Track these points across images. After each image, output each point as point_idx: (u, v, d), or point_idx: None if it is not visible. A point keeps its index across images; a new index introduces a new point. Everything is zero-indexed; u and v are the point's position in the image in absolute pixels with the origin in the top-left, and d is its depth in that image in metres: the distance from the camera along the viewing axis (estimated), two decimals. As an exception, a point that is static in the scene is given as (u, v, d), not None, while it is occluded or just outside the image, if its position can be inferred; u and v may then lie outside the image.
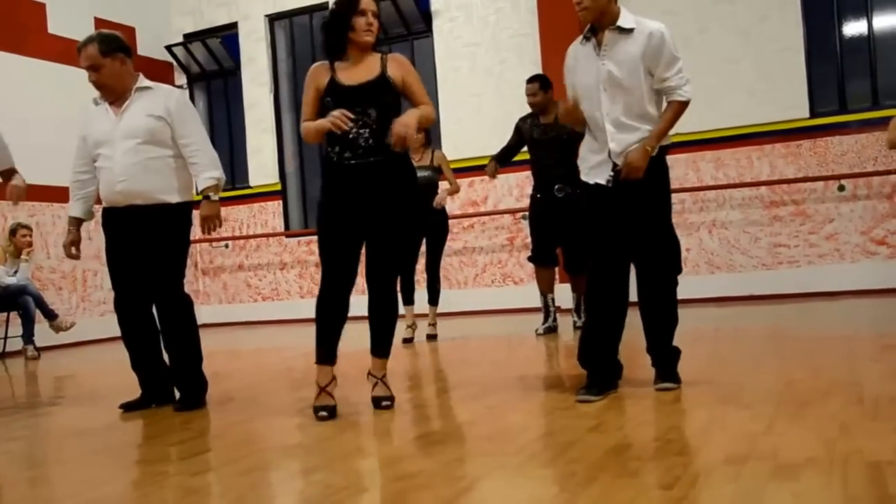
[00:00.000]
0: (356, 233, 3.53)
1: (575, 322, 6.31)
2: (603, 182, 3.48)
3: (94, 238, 9.34)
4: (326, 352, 3.60)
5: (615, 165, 3.45)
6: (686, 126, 8.01)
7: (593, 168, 3.55)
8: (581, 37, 3.56)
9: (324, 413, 3.47)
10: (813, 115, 7.74)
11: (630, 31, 3.42)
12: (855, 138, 7.57)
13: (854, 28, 7.88)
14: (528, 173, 6.34)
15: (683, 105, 3.49)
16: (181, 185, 4.06)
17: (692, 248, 8.07)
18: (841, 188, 7.55)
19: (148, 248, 3.98)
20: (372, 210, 3.50)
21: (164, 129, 3.94)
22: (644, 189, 3.44)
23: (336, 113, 3.37)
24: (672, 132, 3.52)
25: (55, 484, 2.84)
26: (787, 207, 7.81)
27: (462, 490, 2.29)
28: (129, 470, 2.96)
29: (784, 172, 7.79)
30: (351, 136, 3.45)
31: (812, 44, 7.81)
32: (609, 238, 3.49)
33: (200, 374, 4.12)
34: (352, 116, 3.39)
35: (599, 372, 3.54)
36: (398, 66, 3.58)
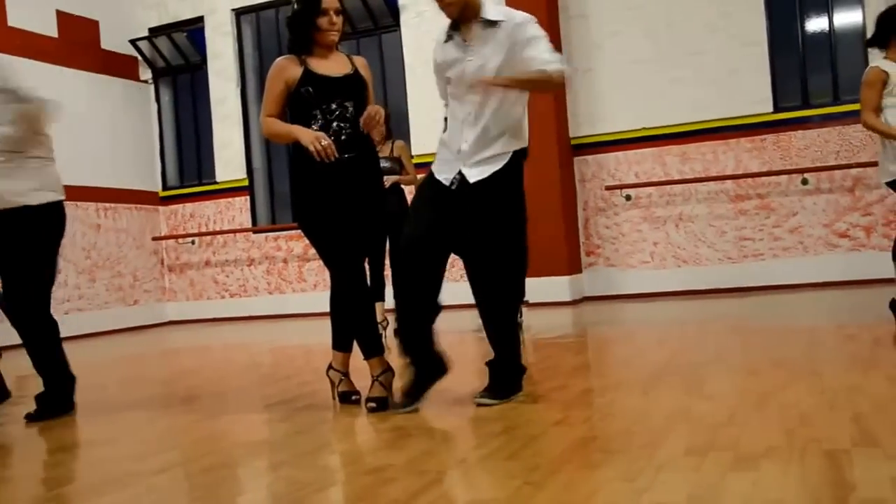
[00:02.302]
0: (350, 224, 3.47)
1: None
2: (446, 183, 3.32)
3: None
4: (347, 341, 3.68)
5: (460, 171, 3.31)
6: (652, 120, 8.22)
7: (444, 163, 3.38)
8: (444, 35, 3.41)
9: (355, 397, 3.59)
10: (777, 109, 7.85)
11: (497, 23, 3.26)
12: (817, 132, 7.69)
13: (816, 24, 7.99)
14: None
15: (552, 77, 3.17)
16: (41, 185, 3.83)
17: (659, 241, 8.15)
18: (804, 182, 7.66)
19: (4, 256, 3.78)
20: (351, 205, 3.46)
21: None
22: (493, 199, 3.29)
23: (325, 143, 3.30)
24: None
25: (14, 483, 2.80)
26: (752, 201, 7.91)
27: (428, 483, 2.30)
28: (92, 469, 2.92)
29: (749, 166, 7.89)
30: (332, 131, 3.41)
31: (775, 39, 7.91)
32: (430, 233, 3.29)
33: (58, 389, 3.91)
34: (334, 153, 3.33)
35: (419, 365, 3.38)
36: (365, 69, 3.59)
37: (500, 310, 3.42)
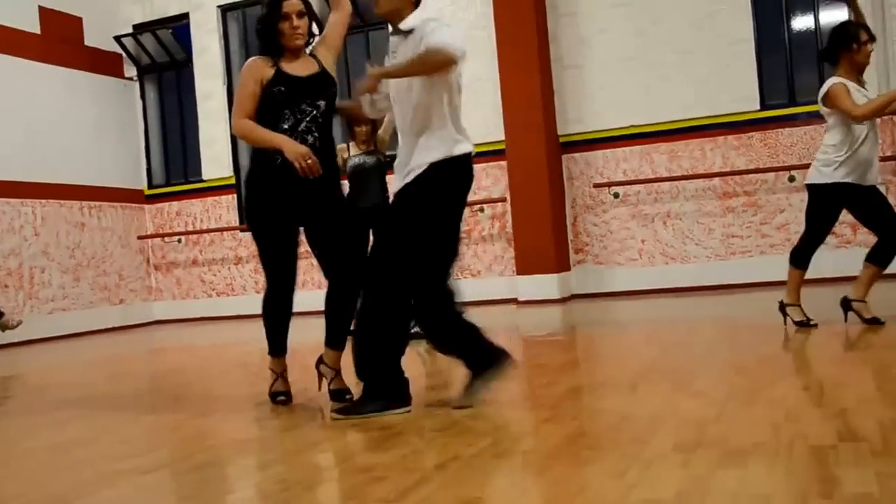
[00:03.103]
0: (296, 235, 3.58)
1: None
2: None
3: (42, 234, 9.20)
4: (280, 345, 3.69)
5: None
6: (640, 118, 8.24)
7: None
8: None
9: (282, 398, 3.56)
10: (764, 107, 7.88)
11: (411, 31, 3.18)
12: (804, 130, 7.72)
13: (802, 22, 8.03)
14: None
15: (421, 56, 3.03)
16: None
17: (647, 239, 8.17)
18: (791, 179, 7.69)
19: None
20: (315, 210, 3.49)
21: None
22: (393, 211, 3.25)
23: (311, 161, 3.29)
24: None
25: (1, 485, 2.78)
26: (740, 198, 7.94)
27: (417, 482, 2.30)
28: (78, 469, 2.90)
29: (736, 164, 7.91)
30: (300, 130, 3.44)
31: (762, 36, 7.94)
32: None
33: None
34: (319, 170, 3.34)
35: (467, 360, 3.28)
36: (323, 48, 3.61)
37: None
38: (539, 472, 2.34)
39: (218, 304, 9.96)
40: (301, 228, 3.58)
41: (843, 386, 3.07)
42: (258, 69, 3.47)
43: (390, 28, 3.32)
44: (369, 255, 3.33)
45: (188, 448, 3.03)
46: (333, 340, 3.63)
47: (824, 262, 7.62)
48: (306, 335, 4.16)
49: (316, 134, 3.46)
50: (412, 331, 3.50)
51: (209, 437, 3.25)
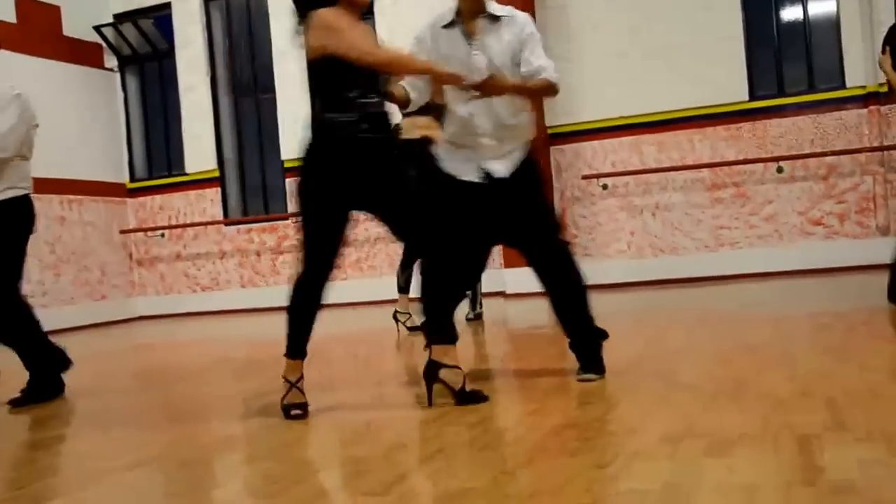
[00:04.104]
0: (348, 220, 3.20)
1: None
2: (477, 180, 3.32)
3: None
4: (301, 346, 3.19)
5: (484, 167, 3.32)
6: (629, 109, 8.23)
7: (461, 163, 3.34)
8: (446, 20, 3.30)
9: (297, 411, 3.13)
10: (752, 97, 7.88)
11: (500, 18, 3.28)
12: (792, 121, 7.74)
13: (791, 12, 8.03)
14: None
15: (553, 87, 3.33)
16: None
17: (636, 231, 8.17)
18: (779, 170, 7.71)
19: None
20: (380, 193, 3.16)
21: None
22: (528, 187, 3.43)
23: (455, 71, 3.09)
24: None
25: (-14, 481, 2.75)
26: (728, 189, 7.95)
27: (402, 475, 2.29)
28: (60, 467, 2.89)
29: (725, 155, 7.93)
30: (366, 101, 3.07)
31: (751, 27, 7.94)
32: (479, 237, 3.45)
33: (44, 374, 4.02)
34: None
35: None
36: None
37: (573, 286, 3.53)
38: (525, 463, 2.34)
39: (203, 299, 9.90)
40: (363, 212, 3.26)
41: (829, 376, 3.08)
42: (350, 16, 3.08)
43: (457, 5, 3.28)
44: (546, 231, 3.46)
45: (173, 444, 3.01)
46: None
47: (816, 253, 7.70)
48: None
49: (384, 108, 3.20)
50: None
51: (195, 433, 3.23)
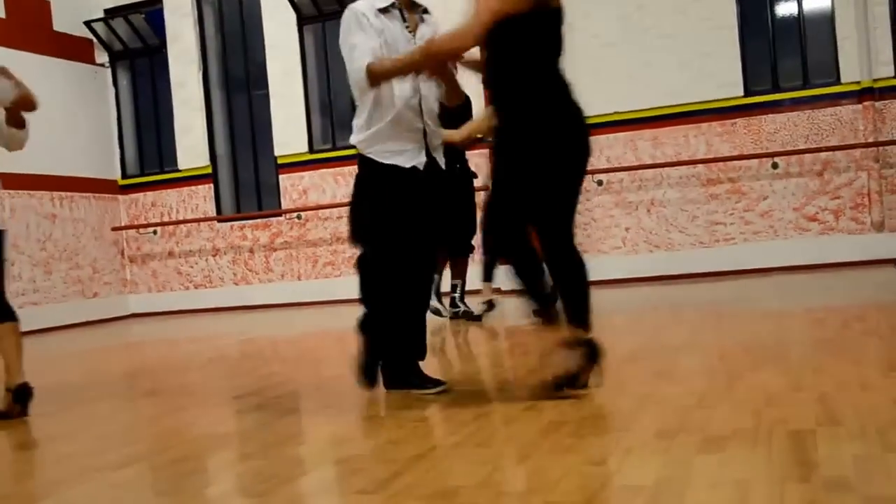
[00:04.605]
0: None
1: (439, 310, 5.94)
2: (420, 166, 3.29)
3: (9, 226, 9.01)
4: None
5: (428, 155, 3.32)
6: (624, 104, 8.21)
7: (403, 150, 3.27)
8: (380, 4, 3.26)
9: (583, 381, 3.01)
10: (747, 93, 7.87)
11: (427, 13, 3.37)
12: (787, 116, 7.73)
13: (786, 8, 8.03)
14: (468, 153, 6.24)
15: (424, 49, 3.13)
16: None
17: (631, 227, 8.16)
18: (774, 165, 7.71)
19: None
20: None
21: None
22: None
23: None
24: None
25: (-24, 480, 2.73)
26: (724, 185, 7.95)
27: (396, 472, 2.28)
28: (51, 465, 2.86)
29: (720, 150, 7.92)
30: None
31: (745, 22, 7.93)
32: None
33: None
34: None
35: None
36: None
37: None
38: (519, 460, 2.33)
39: (195, 296, 9.86)
40: None
41: (822, 371, 3.08)
42: None
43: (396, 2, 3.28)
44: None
45: (165, 442, 2.99)
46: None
47: (809, 249, 7.70)
48: (286, 329, 4.12)
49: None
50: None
51: (186, 431, 3.21)
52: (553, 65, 3.13)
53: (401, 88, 3.22)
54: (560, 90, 3.12)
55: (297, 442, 2.89)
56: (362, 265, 3.34)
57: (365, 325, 3.36)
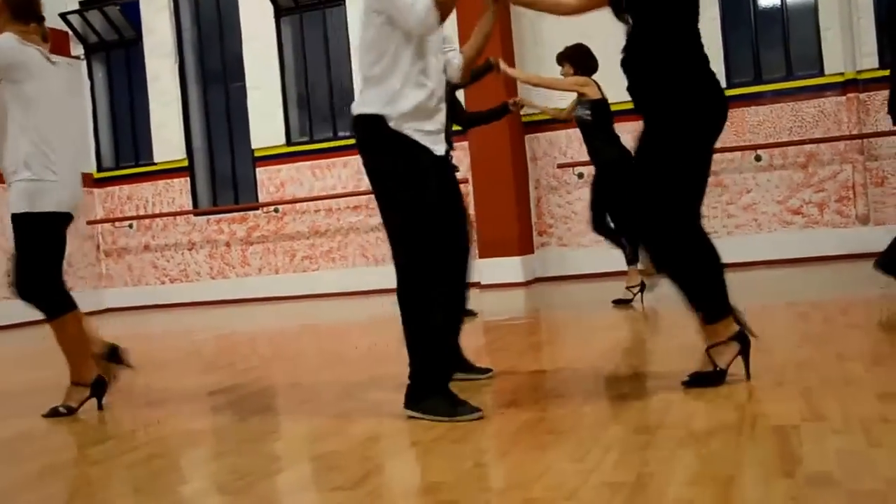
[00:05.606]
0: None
1: None
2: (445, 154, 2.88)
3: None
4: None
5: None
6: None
7: (433, 134, 2.81)
8: None
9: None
10: (729, 85, 7.85)
11: None
12: (770, 108, 7.72)
13: None
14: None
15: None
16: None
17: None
18: (758, 158, 7.71)
19: None
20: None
21: None
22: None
23: None
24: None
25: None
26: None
27: (372, 470, 2.24)
28: (23, 463, 2.79)
29: (701, 143, 7.90)
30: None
31: (727, 13, 7.90)
32: None
33: None
34: None
35: None
36: None
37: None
38: (499, 457, 2.29)
39: (172, 290, 9.76)
40: None
41: (806, 366, 3.06)
42: None
43: None
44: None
45: (139, 439, 2.94)
46: None
47: (794, 243, 7.70)
48: (264, 323, 4.06)
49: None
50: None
51: (162, 427, 3.15)
52: (697, 30, 3.07)
53: (437, 60, 2.82)
54: (705, 58, 3.06)
55: (274, 438, 2.84)
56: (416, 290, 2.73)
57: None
